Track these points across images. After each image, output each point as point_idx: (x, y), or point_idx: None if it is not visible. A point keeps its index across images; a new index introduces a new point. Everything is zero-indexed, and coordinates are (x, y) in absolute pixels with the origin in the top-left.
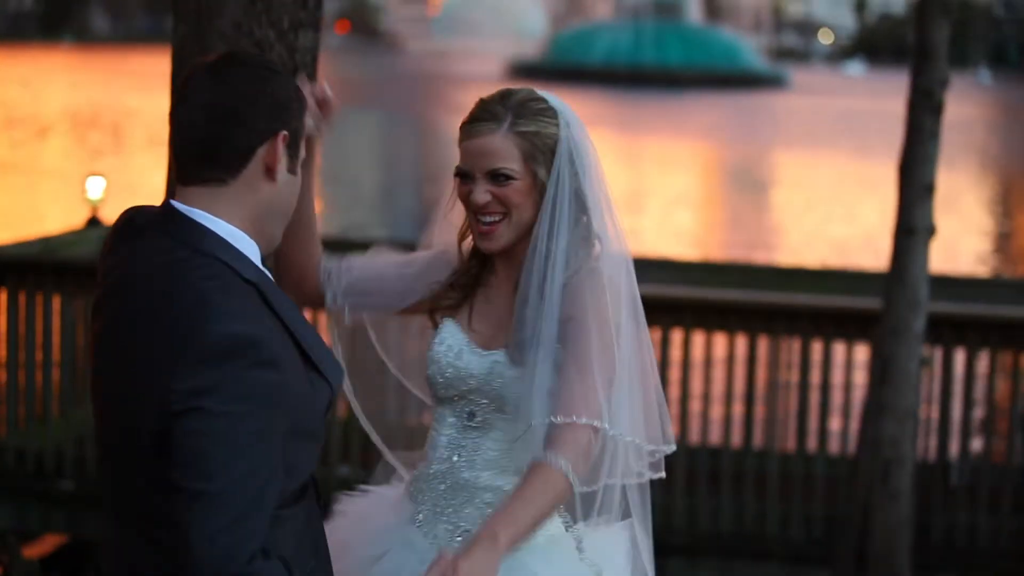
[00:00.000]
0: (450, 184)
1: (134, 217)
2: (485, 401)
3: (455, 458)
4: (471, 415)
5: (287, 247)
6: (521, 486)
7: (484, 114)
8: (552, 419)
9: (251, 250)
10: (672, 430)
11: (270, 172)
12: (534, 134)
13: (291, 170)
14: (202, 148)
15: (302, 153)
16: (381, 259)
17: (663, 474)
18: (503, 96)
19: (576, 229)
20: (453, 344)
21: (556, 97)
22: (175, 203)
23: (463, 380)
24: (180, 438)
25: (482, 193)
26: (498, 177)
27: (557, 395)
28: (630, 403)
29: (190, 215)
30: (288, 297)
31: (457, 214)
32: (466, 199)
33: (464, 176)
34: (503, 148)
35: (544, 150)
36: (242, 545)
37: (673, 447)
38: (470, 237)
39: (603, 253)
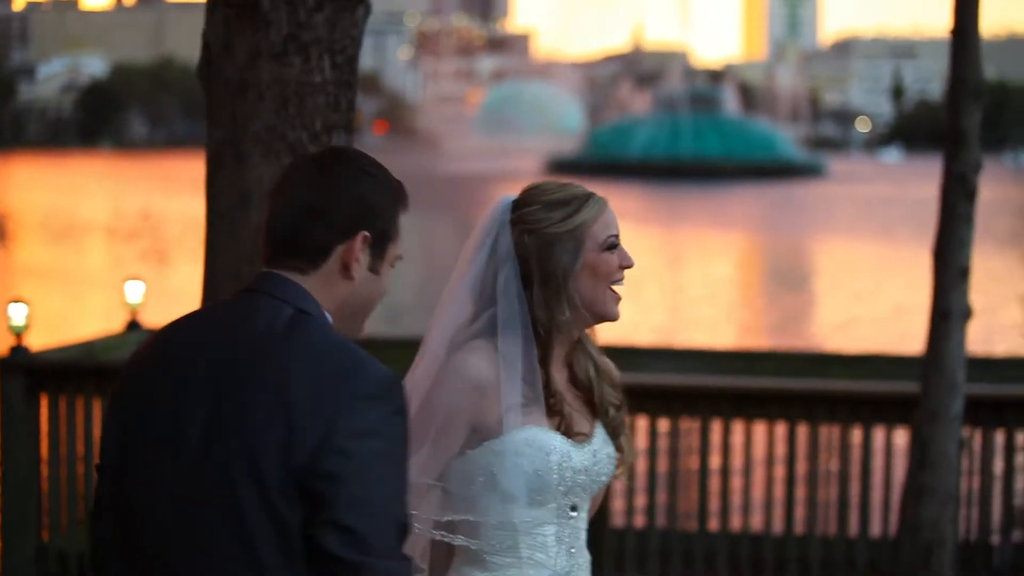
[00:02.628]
0: None
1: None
2: (586, 493)
3: (572, 550)
4: (573, 507)
5: None
6: None
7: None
8: None
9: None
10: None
11: (346, 270)
12: None
13: (373, 269)
14: (286, 238)
15: (392, 252)
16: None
17: None
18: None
19: None
20: (561, 450)
21: None
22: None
23: (578, 482)
24: (335, 478)
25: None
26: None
27: None
28: None
29: (287, 276)
30: None
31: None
32: (611, 268)
33: (613, 247)
34: None
35: None
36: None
37: None
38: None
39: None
